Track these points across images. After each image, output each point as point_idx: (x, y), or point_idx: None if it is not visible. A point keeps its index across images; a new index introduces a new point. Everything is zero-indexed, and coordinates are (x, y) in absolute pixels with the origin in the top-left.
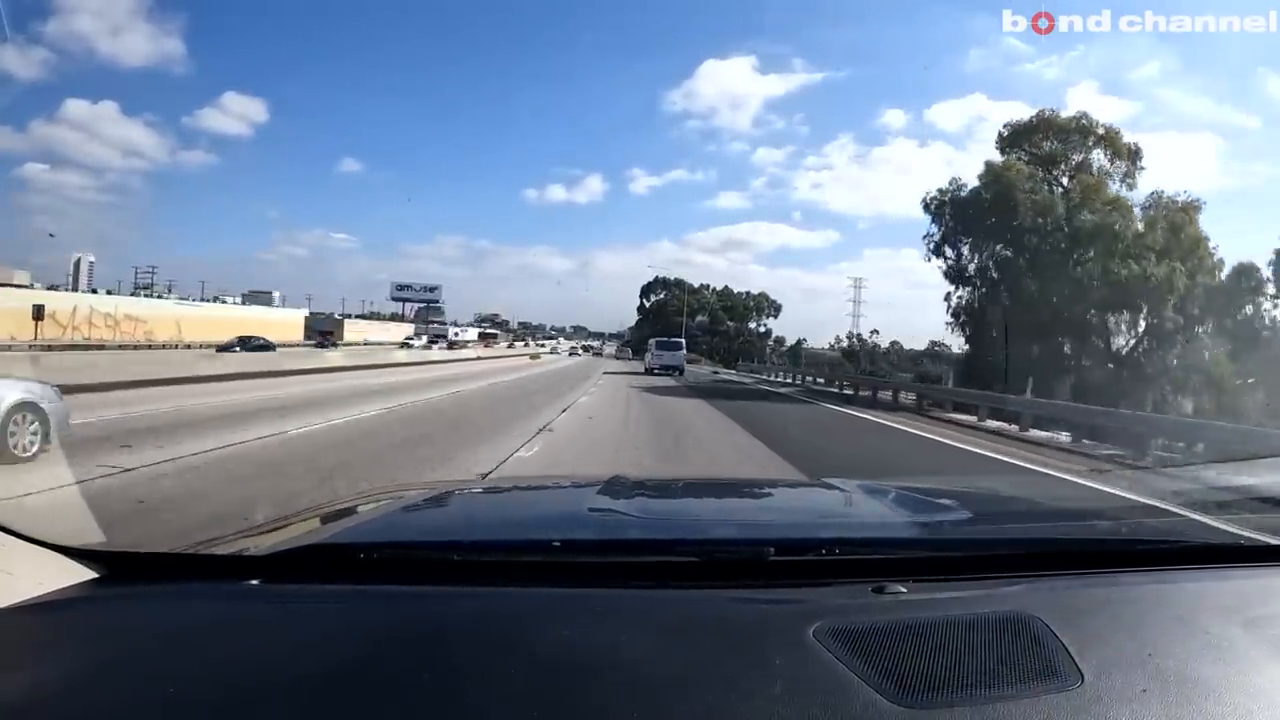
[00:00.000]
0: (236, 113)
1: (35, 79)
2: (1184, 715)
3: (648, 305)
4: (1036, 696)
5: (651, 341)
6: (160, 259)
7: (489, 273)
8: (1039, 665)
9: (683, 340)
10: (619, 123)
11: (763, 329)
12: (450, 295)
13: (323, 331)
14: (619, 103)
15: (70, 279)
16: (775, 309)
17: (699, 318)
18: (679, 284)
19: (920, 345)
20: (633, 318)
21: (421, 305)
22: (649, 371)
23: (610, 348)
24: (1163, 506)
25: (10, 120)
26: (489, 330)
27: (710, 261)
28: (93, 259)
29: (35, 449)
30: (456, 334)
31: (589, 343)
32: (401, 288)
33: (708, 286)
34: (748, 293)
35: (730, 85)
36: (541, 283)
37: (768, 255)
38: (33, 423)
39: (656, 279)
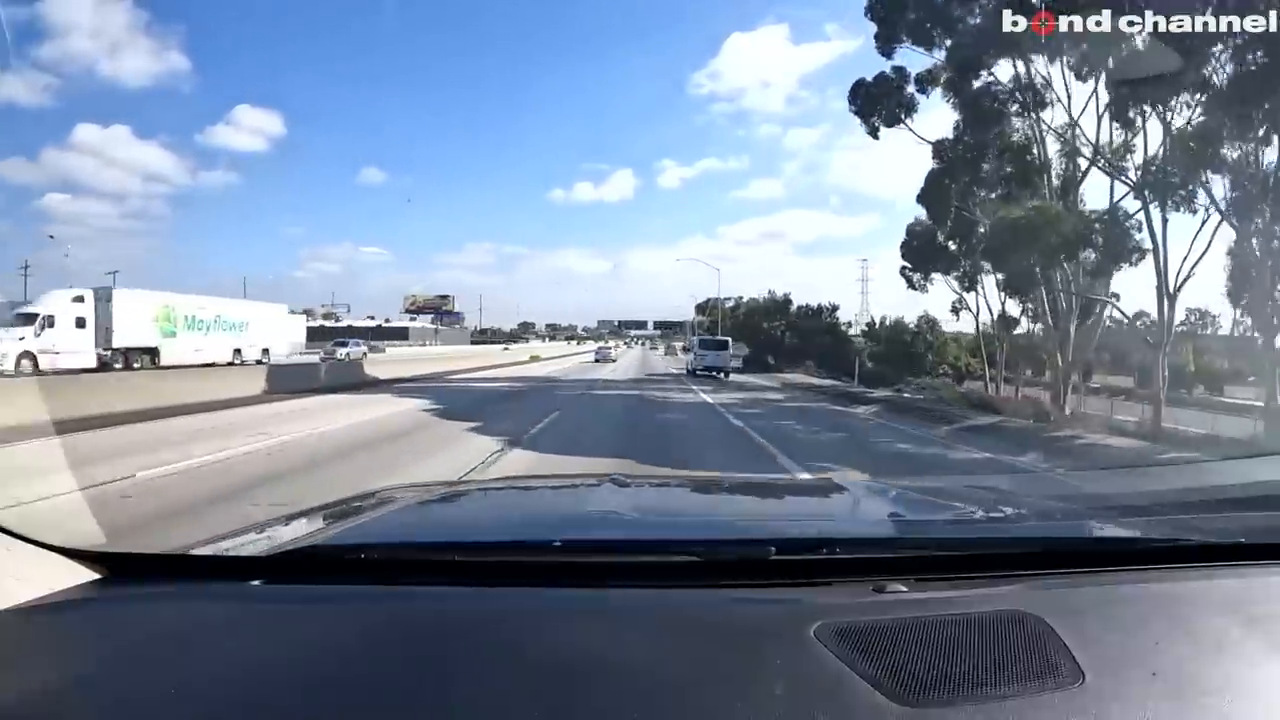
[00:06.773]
0: (251, 126)
1: (39, 105)
2: (1184, 714)
3: None
4: (1037, 695)
5: (694, 339)
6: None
7: (522, 278)
8: (1040, 664)
9: (728, 339)
10: (644, 112)
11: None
12: (484, 301)
13: None
14: (643, 90)
15: None
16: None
17: None
18: None
19: None
20: (681, 311)
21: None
22: (692, 372)
23: (661, 345)
24: (1162, 505)
25: (22, 150)
26: (434, 325)
27: (745, 254)
28: None
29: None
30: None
31: (610, 343)
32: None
33: None
34: None
35: (759, 60)
36: (575, 285)
37: (806, 245)
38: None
39: None
